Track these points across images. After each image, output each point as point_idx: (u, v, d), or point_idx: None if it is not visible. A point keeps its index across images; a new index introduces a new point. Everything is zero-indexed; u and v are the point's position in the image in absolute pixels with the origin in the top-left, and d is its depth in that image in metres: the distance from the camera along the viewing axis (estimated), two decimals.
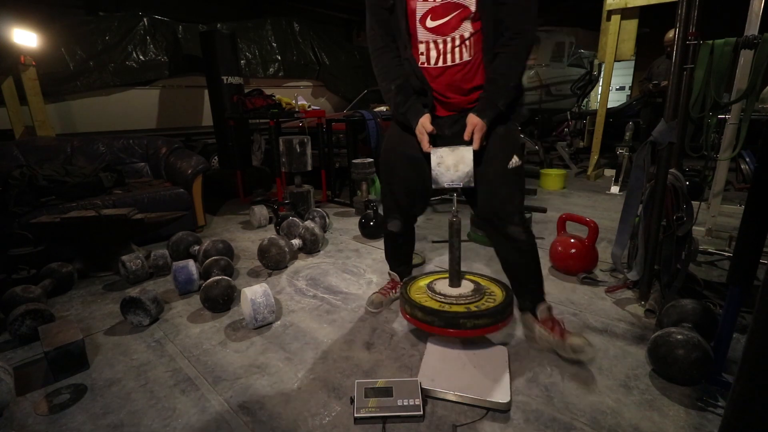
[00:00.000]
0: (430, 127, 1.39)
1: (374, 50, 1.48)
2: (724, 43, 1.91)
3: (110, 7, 5.31)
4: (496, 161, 1.41)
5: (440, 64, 1.37)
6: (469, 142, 1.37)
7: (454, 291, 1.50)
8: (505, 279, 1.62)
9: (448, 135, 1.46)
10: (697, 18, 1.54)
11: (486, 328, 1.40)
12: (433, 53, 1.36)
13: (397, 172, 1.59)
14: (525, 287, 1.57)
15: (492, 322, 1.40)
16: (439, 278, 1.65)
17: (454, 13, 1.29)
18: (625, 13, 4.25)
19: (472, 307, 1.43)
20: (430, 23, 1.32)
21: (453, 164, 1.38)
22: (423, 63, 1.40)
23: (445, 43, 1.33)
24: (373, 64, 1.50)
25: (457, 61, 1.35)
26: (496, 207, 1.44)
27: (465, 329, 1.39)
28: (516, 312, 1.62)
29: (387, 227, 1.74)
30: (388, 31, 1.43)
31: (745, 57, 2.25)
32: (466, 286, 1.54)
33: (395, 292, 1.88)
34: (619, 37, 4.34)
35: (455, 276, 1.51)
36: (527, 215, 2.67)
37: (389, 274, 1.94)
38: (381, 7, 1.39)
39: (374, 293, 1.90)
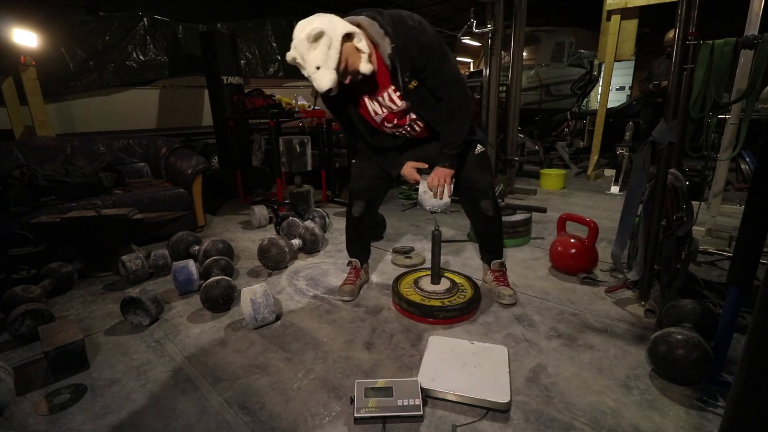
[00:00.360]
0: (417, 176, 1.76)
1: (348, 139, 1.78)
2: (724, 43, 1.91)
3: (110, 7, 5.32)
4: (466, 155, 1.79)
5: (408, 137, 1.77)
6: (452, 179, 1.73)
7: (434, 287, 1.89)
8: (477, 277, 2.09)
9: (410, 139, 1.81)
10: (697, 18, 1.54)
11: (454, 319, 1.76)
12: (399, 134, 1.76)
13: (371, 165, 1.88)
14: (487, 247, 2.02)
15: (459, 314, 1.77)
16: (424, 275, 2.04)
17: (398, 114, 1.65)
18: (625, 13, 4.25)
19: (446, 302, 1.80)
20: (387, 125, 1.69)
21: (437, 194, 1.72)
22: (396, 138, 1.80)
23: (404, 129, 1.72)
24: (346, 135, 1.82)
25: (418, 130, 1.73)
26: (470, 185, 1.78)
27: (438, 319, 1.75)
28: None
29: (351, 212, 1.96)
30: (353, 131, 1.79)
31: (745, 57, 2.25)
32: (444, 284, 1.92)
33: (360, 279, 2.09)
34: (619, 37, 4.34)
35: (435, 275, 1.92)
36: (528, 215, 2.68)
37: (350, 262, 2.14)
38: (342, 119, 1.76)
39: (342, 284, 2.06)
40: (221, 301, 1.88)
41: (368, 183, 1.90)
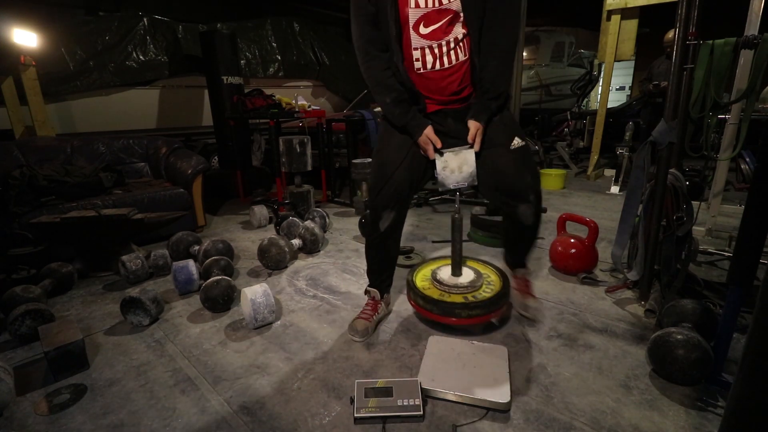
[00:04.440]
0: (438, 142, 1.45)
1: (363, 60, 1.45)
2: (724, 43, 1.91)
3: (110, 7, 5.30)
4: (497, 147, 1.46)
5: (437, 67, 1.40)
6: (471, 144, 1.44)
7: (456, 280, 1.65)
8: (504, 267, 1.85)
9: (441, 130, 1.50)
10: (697, 18, 1.54)
11: (479, 318, 1.53)
12: (429, 58, 1.39)
13: (396, 161, 1.51)
14: (515, 252, 1.78)
15: (485, 311, 1.53)
16: (443, 265, 1.79)
17: (445, 19, 1.33)
18: (625, 13, 4.25)
19: (470, 297, 1.57)
20: (423, 30, 1.34)
21: (457, 167, 1.46)
22: (419, 69, 1.42)
23: (440, 47, 1.36)
24: (363, 74, 1.48)
25: (454, 62, 1.39)
26: (505, 185, 1.46)
27: (461, 318, 1.52)
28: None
29: (378, 227, 1.58)
30: (375, 39, 1.42)
31: (745, 57, 2.25)
32: (467, 275, 1.68)
33: (378, 314, 1.72)
34: (619, 37, 4.34)
35: (457, 266, 1.67)
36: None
37: (368, 291, 1.77)
38: (367, 15, 1.39)
39: (356, 318, 1.69)
40: (221, 301, 1.88)
41: (399, 179, 1.49)
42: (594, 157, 4.88)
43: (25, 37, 3.14)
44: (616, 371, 1.41)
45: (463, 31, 1.35)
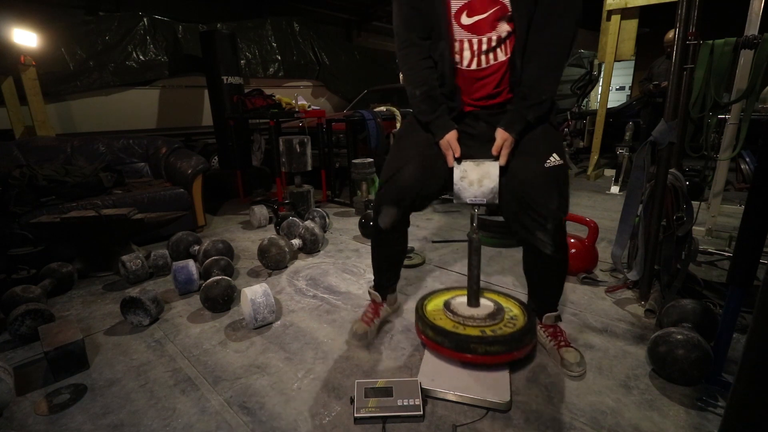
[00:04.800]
0: (458, 150, 1.30)
1: (400, 45, 1.33)
2: (724, 43, 1.91)
3: (110, 7, 5.30)
4: (530, 158, 1.27)
5: (473, 67, 1.26)
6: (496, 157, 1.28)
7: (472, 311, 1.42)
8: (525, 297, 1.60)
9: (473, 133, 1.36)
10: (697, 18, 1.54)
11: (499, 356, 1.31)
12: (467, 54, 1.25)
13: (406, 157, 1.39)
14: (539, 294, 1.50)
15: (506, 350, 1.31)
16: (459, 295, 1.55)
17: (491, 11, 1.17)
18: (625, 13, 4.25)
19: (488, 331, 1.34)
20: (465, 20, 1.19)
21: (477, 179, 1.29)
22: (456, 64, 1.28)
23: (480, 43, 1.21)
24: (398, 61, 1.35)
25: (492, 63, 1.24)
26: (527, 205, 1.26)
27: (477, 354, 1.30)
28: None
29: (378, 223, 1.47)
30: (415, 25, 1.28)
31: (745, 57, 2.25)
32: (486, 307, 1.45)
33: (379, 317, 1.65)
34: (619, 37, 4.34)
35: (473, 296, 1.44)
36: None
37: (369, 293, 1.69)
38: None
39: (356, 321, 1.63)
40: (221, 301, 1.88)
41: (405, 176, 1.37)
42: (594, 157, 4.88)
43: (25, 37, 3.14)
44: (616, 371, 1.41)
45: (509, 28, 1.18)
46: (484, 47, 1.22)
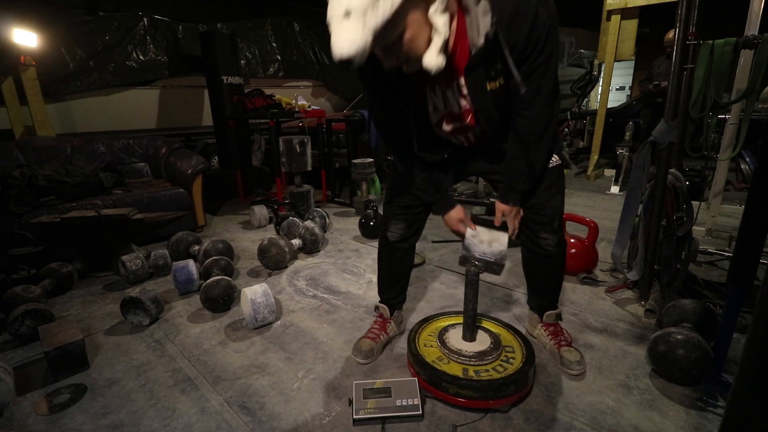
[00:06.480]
0: (463, 229, 1.34)
1: (380, 124, 1.32)
2: (724, 43, 1.91)
3: (110, 7, 5.30)
4: None
5: (466, 145, 1.33)
6: (505, 227, 1.32)
7: (464, 345, 1.36)
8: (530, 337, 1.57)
9: (470, 149, 1.36)
10: (697, 18, 1.54)
11: (476, 401, 1.20)
12: (454, 141, 1.33)
13: (408, 187, 1.41)
14: (539, 292, 1.52)
15: (483, 396, 1.20)
16: (456, 323, 1.49)
17: (464, 121, 1.21)
18: (625, 13, 4.25)
19: (471, 371, 1.25)
20: (446, 126, 1.24)
21: (488, 241, 1.32)
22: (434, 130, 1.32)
23: (465, 137, 1.28)
24: (379, 135, 1.36)
25: (472, 140, 1.29)
26: (532, 208, 1.31)
27: (449, 395, 1.22)
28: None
29: (386, 236, 1.48)
30: (392, 120, 1.27)
31: (745, 57, 2.25)
32: (482, 342, 1.37)
33: (387, 334, 1.59)
34: (619, 37, 4.34)
35: (468, 330, 1.37)
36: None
37: (377, 307, 1.64)
38: (380, 82, 1.18)
39: (362, 337, 1.56)
40: (221, 301, 1.88)
41: (408, 205, 1.44)
42: (594, 157, 4.88)
43: (25, 37, 3.14)
44: (616, 371, 1.41)
45: (473, 124, 1.21)
46: (470, 138, 1.27)
